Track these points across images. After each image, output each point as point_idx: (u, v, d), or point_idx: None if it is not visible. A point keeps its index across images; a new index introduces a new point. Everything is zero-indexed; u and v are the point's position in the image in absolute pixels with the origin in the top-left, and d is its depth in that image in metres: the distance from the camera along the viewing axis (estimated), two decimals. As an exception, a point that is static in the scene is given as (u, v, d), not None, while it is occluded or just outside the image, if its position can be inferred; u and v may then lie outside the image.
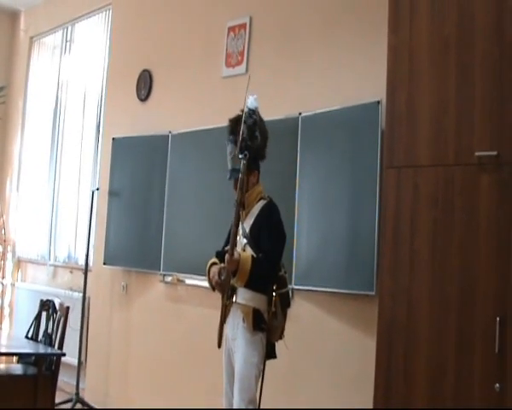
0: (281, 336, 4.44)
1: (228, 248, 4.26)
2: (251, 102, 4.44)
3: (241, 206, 4.30)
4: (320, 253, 5.13)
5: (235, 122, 4.50)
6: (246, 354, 4.27)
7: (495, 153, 3.50)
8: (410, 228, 3.85)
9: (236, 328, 4.35)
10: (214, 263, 4.54)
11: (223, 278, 4.30)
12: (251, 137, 4.37)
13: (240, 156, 4.26)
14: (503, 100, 3.52)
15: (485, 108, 3.59)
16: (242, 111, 4.43)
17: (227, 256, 4.20)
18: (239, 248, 4.36)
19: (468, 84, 3.67)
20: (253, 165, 4.43)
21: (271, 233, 4.38)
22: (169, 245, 6.61)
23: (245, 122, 4.39)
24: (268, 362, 4.35)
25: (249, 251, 4.35)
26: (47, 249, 9.13)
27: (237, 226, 4.29)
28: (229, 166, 4.46)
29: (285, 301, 4.44)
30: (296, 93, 5.55)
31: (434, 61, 3.84)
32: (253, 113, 4.43)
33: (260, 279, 4.28)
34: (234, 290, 4.37)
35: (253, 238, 4.38)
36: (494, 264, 3.46)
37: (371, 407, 3.94)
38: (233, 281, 4.28)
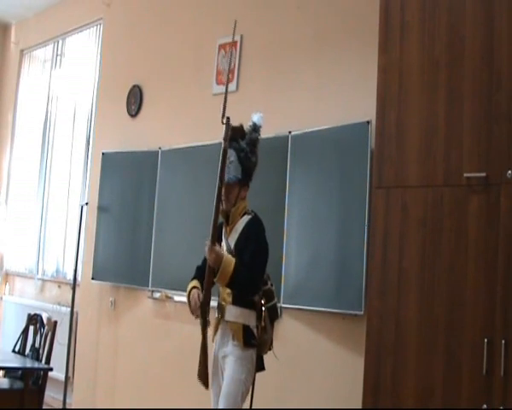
0: (270, 348, 4.42)
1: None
2: (258, 118, 4.47)
3: (221, 181, 4.26)
4: (309, 272, 5.13)
5: (237, 130, 4.46)
6: (234, 371, 4.23)
7: (484, 174, 3.52)
8: (398, 248, 3.86)
9: (226, 346, 4.32)
10: (195, 287, 4.50)
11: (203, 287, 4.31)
12: (251, 150, 4.40)
13: (223, 121, 4.24)
14: (491, 122, 3.55)
15: (474, 129, 3.61)
16: (241, 126, 4.46)
17: (208, 244, 4.20)
18: None
19: (458, 105, 3.69)
20: (247, 179, 4.44)
21: (253, 247, 4.33)
22: (158, 261, 6.61)
23: (247, 134, 4.43)
24: (257, 379, 4.34)
25: None
26: (35, 263, 9.09)
27: (218, 212, 4.27)
28: (226, 170, 4.36)
29: (273, 314, 4.43)
30: (286, 112, 5.56)
31: (424, 82, 3.87)
32: (258, 129, 4.46)
33: (240, 286, 4.25)
34: (221, 309, 4.36)
35: (239, 255, 4.32)
36: (482, 285, 3.48)
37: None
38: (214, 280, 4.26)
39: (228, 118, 4.25)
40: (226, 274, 4.17)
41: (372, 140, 4.59)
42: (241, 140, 4.43)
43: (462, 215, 3.60)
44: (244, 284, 4.26)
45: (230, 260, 4.21)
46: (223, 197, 4.37)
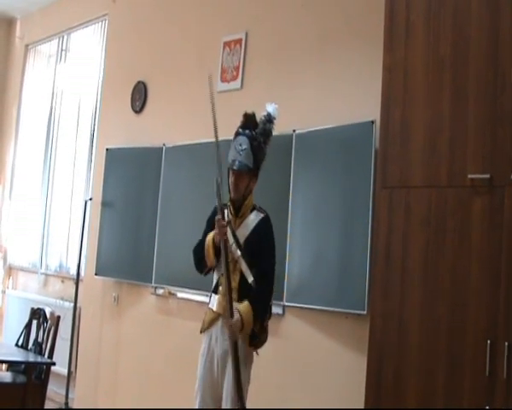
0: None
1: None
2: (273, 110, 4.47)
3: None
4: (312, 271, 5.13)
5: (250, 118, 4.47)
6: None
7: (488, 176, 3.53)
8: (401, 248, 3.87)
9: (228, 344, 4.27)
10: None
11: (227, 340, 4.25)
12: (264, 141, 4.40)
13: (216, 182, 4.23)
14: (496, 123, 3.55)
15: (478, 130, 3.62)
16: (253, 114, 4.46)
17: (226, 320, 4.18)
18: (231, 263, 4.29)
19: (462, 106, 3.70)
20: (256, 171, 4.43)
21: (270, 253, 4.36)
22: (161, 258, 6.61)
23: (260, 124, 4.42)
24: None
25: (243, 265, 4.28)
26: (38, 258, 9.11)
27: (230, 284, 4.23)
28: (238, 158, 4.34)
29: (270, 314, 4.47)
30: (291, 110, 5.52)
31: (429, 82, 3.87)
32: (273, 120, 4.46)
33: (262, 312, 4.29)
34: (223, 306, 4.32)
35: (248, 252, 4.30)
36: (485, 286, 3.48)
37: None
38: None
39: (218, 179, 4.24)
40: (250, 323, 4.19)
41: (376, 140, 4.58)
42: (254, 130, 4.42)
43: (465, 216, 3.60)
44: (264, 308, 4.31)
45: (247, 310, 4.20)
46: (231, 186, 4.37)
